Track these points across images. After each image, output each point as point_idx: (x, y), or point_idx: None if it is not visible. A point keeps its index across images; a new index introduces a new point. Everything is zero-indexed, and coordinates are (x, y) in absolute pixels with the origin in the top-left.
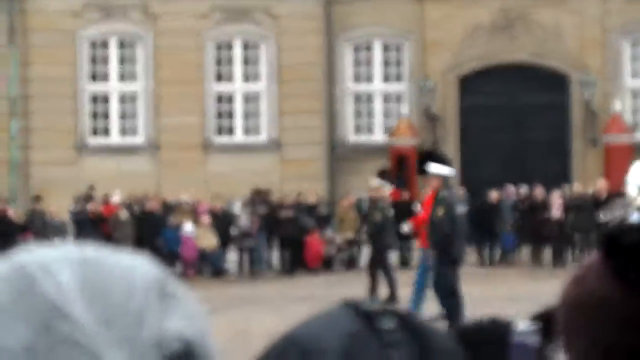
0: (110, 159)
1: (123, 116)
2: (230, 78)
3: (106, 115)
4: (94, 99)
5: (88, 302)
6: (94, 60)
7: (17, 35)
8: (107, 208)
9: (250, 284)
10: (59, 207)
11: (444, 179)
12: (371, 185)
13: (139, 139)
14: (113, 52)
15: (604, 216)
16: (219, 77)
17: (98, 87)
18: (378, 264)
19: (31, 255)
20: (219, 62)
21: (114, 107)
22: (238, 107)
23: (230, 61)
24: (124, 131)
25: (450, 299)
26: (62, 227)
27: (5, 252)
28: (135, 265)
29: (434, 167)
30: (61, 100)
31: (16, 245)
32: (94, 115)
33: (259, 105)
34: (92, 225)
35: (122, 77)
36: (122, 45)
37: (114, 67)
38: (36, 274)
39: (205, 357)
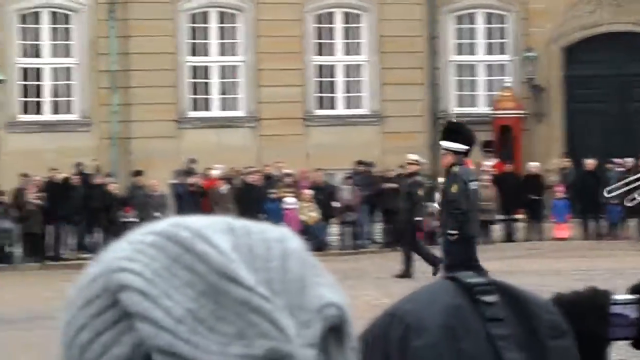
0: (211, 132)
1: (223, 89)
2: (331, 50)
3: (207, 89)
4: (194, 72)
5: (249, 267)
6: (194, 34)
7: (117, 9)
8: (208, 181)
9: (353, 258)
10: (160, 181)
11: (457, 155)
12: (409, 159)
13: (239, 112)
14: (213, 25)
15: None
16: (320, 49)
17: (198, 60)
18: (408, 240)
19: (177, 223)
20: (319, 34)
21: (215, 81)
22: (339, 79)
23: (331, 33)
24: (224, 104)
25: None
26: (163, 200)
27: (107, 227)
28: (283, 234)
29: (445, 143)
30: (162, 73)
31: (117, 219)
32: (194, 89)
33: (361, 77)
34: (193, 199)
35: (223, 50)
36: (222, 18)
37: (214, 40)
38: (190, 241)
39: (351, 324)
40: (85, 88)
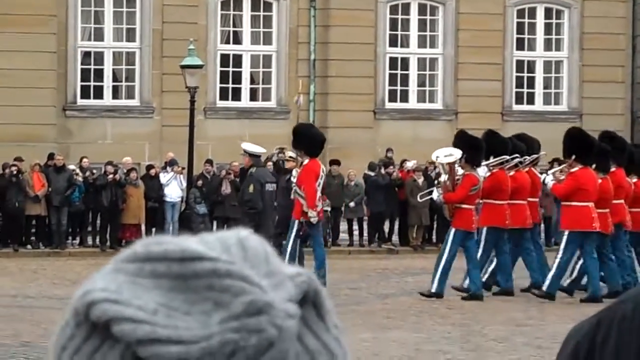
0: (407, 124)
1: (421, 82)
2: (532, 46)
3: (404, 80)
4: (393, 63)
5: (209, 250)
6: (394, 24)
7: None
8: (403, 173)
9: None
10: (357, 170)
11: (254, 157)
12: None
13: (436, 105)
14: (414, 17)
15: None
16: (520, 45)
17: (397, 52)
18: None
19: (132, 246)
20: (520, 29)
21: (413, 72)
22: (538, 75)
23: (532, 28)
24: (421, 97)
25: None
26: (358, 190)
27: None
28: (237, 231)
29: (243, 145)
30: (360, 64)
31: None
32: (391, 80)
33: (560, 73)
34: (388, 189)
35: (422, 43)
36: (422, 10)
37: (414, 32)
38: (146, 251)
39: (327, 297)
40: (283, 76)
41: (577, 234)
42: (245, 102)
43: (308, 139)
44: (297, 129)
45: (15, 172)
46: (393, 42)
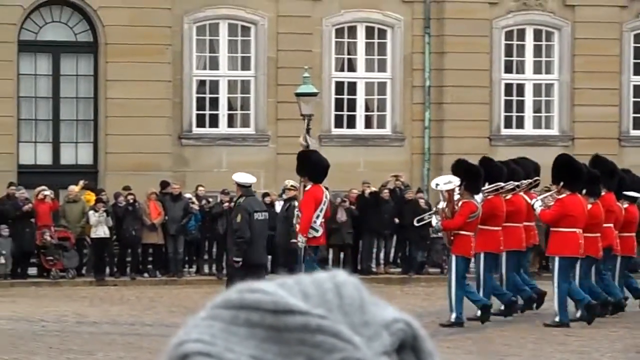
0: (522, 150)
1: (537, 108)
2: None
3: (520, 106)
4: (508, 90)
5: (303, 300)
6: (509, 51)
7: (432, 25)
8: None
9: None
10: None
11: (244, 188)
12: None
13: (552, 131)
14: (529, 43)
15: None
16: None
17: (512, 78)
18: None
19: (226, 293)
20: (636, 53)
21: (528, 98)
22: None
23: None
24: (537, 123)
25: None
26: None
27: (418, 242)
28: (332, 273)
29: (234, 176)
30: (475, 90)
31: (429, 235)
32: (507, 106)
33: None
34: None
35: (537, 68)
36: (538, 36)
37: (529, 57)
38: (240, 298)
39: (427, 340)
40: (397, 103)
41: (566, 259)
42: (360, 129)
43: (311, 166)
44: (301, 155)
45: (131, 201)
46: (508, 69)
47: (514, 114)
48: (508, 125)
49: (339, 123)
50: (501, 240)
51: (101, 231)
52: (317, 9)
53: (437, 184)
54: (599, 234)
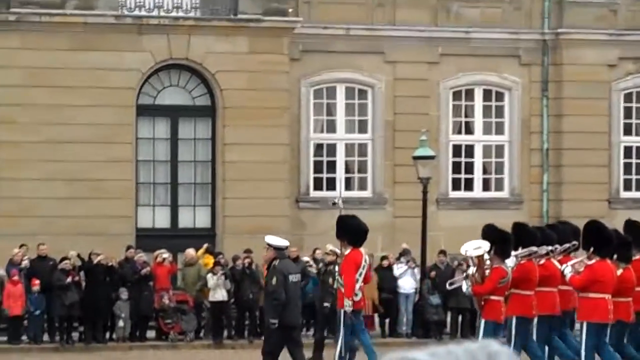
0: None
1: None
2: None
3: (639, 168)
4: (627, 152)
5: None
6: (628, 113)
7: (551, 88)
8: None
9: None
10: None
11: (278, 250)
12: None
13: None
14: None
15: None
16: None
17: (632, 140)
18: None
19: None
20: None
21: None
22: None
23: None
24: None
25: None
26: None
27: None
28: (484, 343)
29: (267, 239)
30: (594, 153)
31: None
32: (626, 168)
33: None
34: None
35: None
36: None
37: None
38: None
39: None
40: (515, 165)
41: (595, 325)
42: (477, 192)
43: (351, 230)
44: (340, 220)
45: (248, 264)
46: (627, 131)
47: (634, 176)
48: (627, 188)
49: (456, 186)
50: (534, 305)
51: (219, 294)
52: (434, 72)
53: (466, 250)
54: (630, 298)
